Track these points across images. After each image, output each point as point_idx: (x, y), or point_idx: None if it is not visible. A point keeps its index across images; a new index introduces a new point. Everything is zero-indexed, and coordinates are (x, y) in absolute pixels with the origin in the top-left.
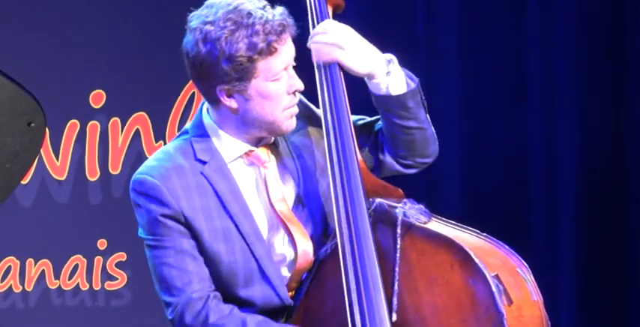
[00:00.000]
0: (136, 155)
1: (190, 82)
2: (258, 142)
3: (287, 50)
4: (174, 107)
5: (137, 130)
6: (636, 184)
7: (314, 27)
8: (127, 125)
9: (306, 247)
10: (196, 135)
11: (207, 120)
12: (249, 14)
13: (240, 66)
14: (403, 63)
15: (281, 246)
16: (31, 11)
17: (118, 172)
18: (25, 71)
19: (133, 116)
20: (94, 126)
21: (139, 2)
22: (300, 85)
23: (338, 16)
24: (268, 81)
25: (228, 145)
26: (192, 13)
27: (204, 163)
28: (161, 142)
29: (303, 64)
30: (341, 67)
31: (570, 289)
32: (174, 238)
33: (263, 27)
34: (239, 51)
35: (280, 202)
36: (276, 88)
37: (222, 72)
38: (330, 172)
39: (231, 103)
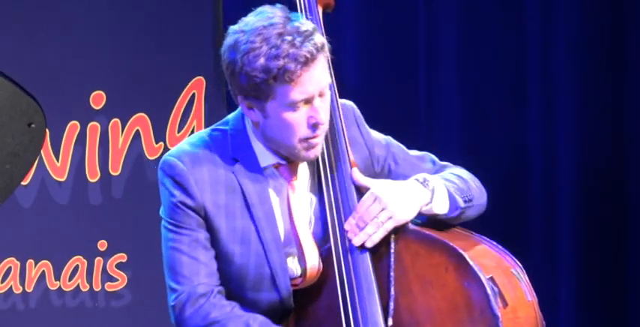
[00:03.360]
0: (136, 156)
1: (190, 83)
2: (287, 158)
3: (309, 82)
4: (175, 108)
5: (137, 132)
6: (636, 184)
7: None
8: (127, 126)
9: (314, 267)
10: (235, 129)
11: (247, 118)
12: (279, 35)
13: (256, 85)
14: (403, 64)
15: (291, 261)
16: (32, 12)
17: (118, 173)
18: (25, 72)
19: (133, 117)
20: (94, 127)
21: (139, 2)
22: (321, 120)
23: (329, 15)
24: (284, 107)
25: (261, 151)
26: (248, 15)
27: (236, 161)
28: (161, 143)
29: None
30: None
31: (569, 289)
32: (192, 228)
33: (286, 52)
34: (255, 70)
35: (302, 221)
36: (292, 117)
37: (240, 84)
38: (322, 174)
39: (251, 116)
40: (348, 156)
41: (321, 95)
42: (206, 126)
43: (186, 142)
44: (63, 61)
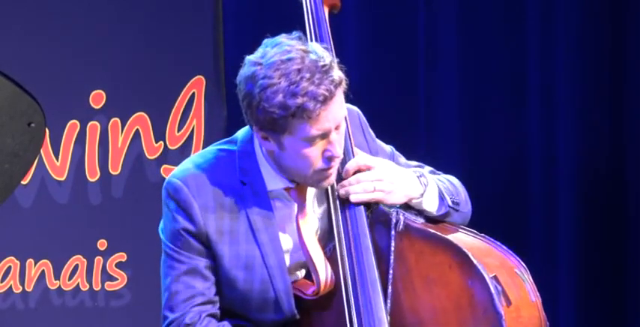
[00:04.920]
0: (135, 156)
1: (190, 82)
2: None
3: (326, 119)
4: (174, 108)
5: (137, 131)
6: (636, 184)
7: (311, 28)
8: (126, 126)
9: (327, 282)
10: (243, 151)
11: (256, 140)
12: (298, 71)
13: (273, 120)
14: (403, 64)
15: (299, 273)
16: (31, 12)
17: (117, 172)
18: (25, 71)
19: (132, 117)
20: (93, 126)
21: (139, 2)
22: (336, 153)
23: (335, 17)
24: (301, 142)
25: (270, 175)
26: (265, 41)
27: (243, 184)
28: (161, 142)
29: None
30: None
31: (569, 289)
32: (191, 256)
33: (305, 91)
34: (273, 106)
35: (313, 242)
36: (308, 150)
37: (257, 117)
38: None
39: (266, 146)
40: (352, 151)
41: (337, 128)
42: (206, 125)
43: (192, 162)
44: (63, 61)
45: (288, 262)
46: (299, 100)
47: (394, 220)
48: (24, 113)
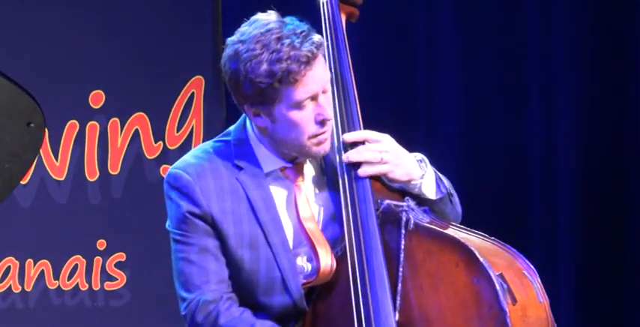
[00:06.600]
0: (135, 156)
1: (190, 82)
2: (293, 160)
3: (312, 80)
4: (174, 108)
5: (136, 131)
6: (636, 184)
7: (328, 35)
8: (126, 126)
9: (327, 265)
10: (237, 139)
11: (249, 126)
12: (278, 39)
13: (261, 90)
14: (403, 64)
15: (300, 260)
16: (31, 11)
17: (117, 172)
18: (25, 71)
19: (132, 117)
20: (93, 126)
21: (139, 3)
22: (327, 116)
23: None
24: (291, 108)
25: (265, 157)
26: (242, 26)
27: (240, 169)
28: (160, 142)
29: None
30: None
31: (569, 289)
32: (200, 237)
33: (287, 55)
34: (259, 76)
35: (310, 220)
36: (299, 116)
37: (245, 93)
38: (339, 174)
39: (259, 123)
40: (360, 123)
41: (324, 92)
42: (205, 125)
43: (190, 155)
44: (62, 61)
45: (291, 242)
46: (283, 65)
47: (404, 219)
48: (23, 113)
